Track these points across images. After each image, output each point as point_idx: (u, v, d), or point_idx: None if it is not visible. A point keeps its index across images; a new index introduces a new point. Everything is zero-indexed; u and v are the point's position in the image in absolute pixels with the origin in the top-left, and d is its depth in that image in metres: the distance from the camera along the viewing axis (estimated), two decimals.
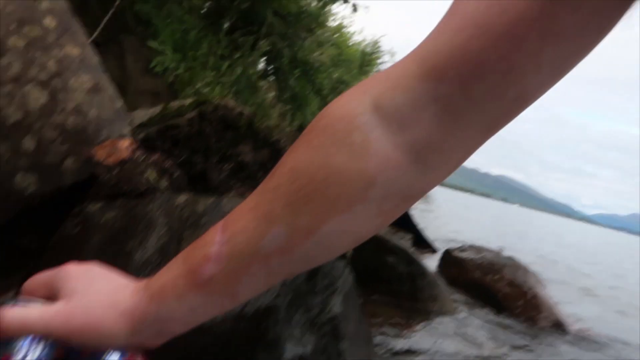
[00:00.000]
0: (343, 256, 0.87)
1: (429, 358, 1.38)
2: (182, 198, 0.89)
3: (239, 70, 5.64)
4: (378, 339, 1.50)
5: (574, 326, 2.06)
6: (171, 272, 0.52)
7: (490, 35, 0.40)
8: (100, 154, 0.98)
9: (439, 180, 0.49)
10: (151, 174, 0.97)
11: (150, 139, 1.27)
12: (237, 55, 5.50)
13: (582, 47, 0.41)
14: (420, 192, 0.49)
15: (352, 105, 0.44)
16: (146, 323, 0.53)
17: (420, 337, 1.62)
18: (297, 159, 0.47)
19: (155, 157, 1.06)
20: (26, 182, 0.94)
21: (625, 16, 0.45)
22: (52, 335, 0.52)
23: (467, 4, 0.45)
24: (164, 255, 0.79)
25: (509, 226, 10.81)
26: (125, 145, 1.01)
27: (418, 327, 1.72)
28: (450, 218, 8.90)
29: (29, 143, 0.94)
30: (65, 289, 0.55)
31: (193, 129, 1.27)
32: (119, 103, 1.08)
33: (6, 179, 0.92)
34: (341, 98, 0.50)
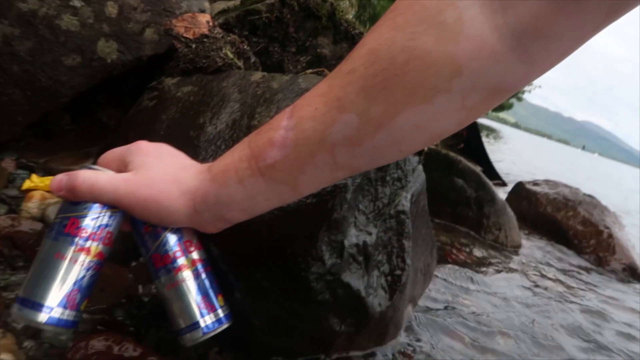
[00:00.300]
0: (419, 152, 0.82)
1: (481, 289, 1.35)
2: (257, 75, 0.86)
3: None
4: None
5: None
6: (235, 155, 0.49)
7: None
8: (180, 26, 0.96)
9: (537, 74, 0.40)
10: (229, 52, 0.94)
11: (229, 25, 1.24)
12: None
13: None
14: (513, 87, 0.40)
15: None
16: (206, 204, 0.51)
17: (479, 265, 1.58)
18: (377, 39, 0.40)
19: (233, 37, 1.02)
20: (108, 49, 0.95)
21: None
22: (118, 203, 0.51)
23: None
24: (235, 129, 0.78)
25: (586, 172, 10.18)
26: (205, 20, 0.98)
27: (478, 253, 1.68)
28: (523, 157, 8.49)
29: (111, 8, 0.93)
30: (134, 162, 0.53)
31: (273, 16, 1.21)
32: None
33: (90, 43, 0.93)
34: None
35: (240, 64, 0.99)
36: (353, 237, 0.72)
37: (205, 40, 0.97)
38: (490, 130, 15.04)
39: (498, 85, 0.40)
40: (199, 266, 0.56)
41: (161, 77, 0.98)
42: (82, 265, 0.49)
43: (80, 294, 0.49)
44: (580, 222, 2.07)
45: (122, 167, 0.54)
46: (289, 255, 0.68)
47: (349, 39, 1.22)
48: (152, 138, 0.91)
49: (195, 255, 0.56)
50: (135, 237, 0.56)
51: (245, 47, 1.08)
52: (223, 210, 0.50)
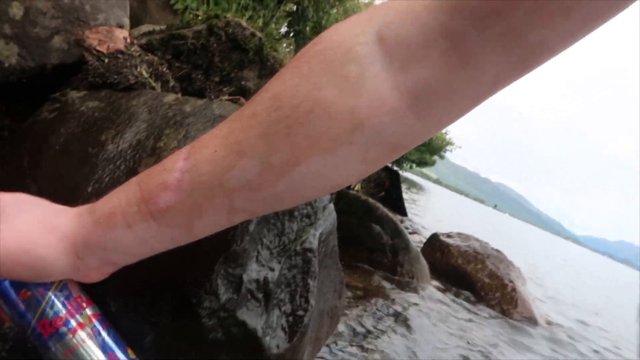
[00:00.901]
0: None
1: (389, 334, 1.34)
2: (171, 97, 0.82)
3: (259, 22, 5.50)
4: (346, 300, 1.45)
5: (545, 324, 2.04)
6: (123, 196, 0.43)
7: None
8: (93, 38, 0.91)
9: (434, 131, 0.40)
10: (144, 71, 0.90)
11: (152, 46, 1.19)
12: (260, 9, 5.37)
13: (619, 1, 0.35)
14: (411, 143, 0.40)
15: (354, 32, 0.38)
16: (90, 249, 0.44)
17: (388, 307, 1.58)
18: (281, 85, 0.40)
19: (152, 57, 0.98)
20: (7, 52, 0.87)
21: None
22: None
23: None
24: (139, 149, 0.73)
25: (497, 230, 10.84)
26: (122, 35, 0.94)
27: (389, 298, 1.68)
28: (441, 211, 8.88)
29: (16, 10, 0.86)
30: None
31: (198, 43, 1.19)
32: None
33: None
34: (343, 23, 0.40)
35: (156, 85, 0.95)
36: (253, 272, 0.68)
37: (119, 56, 0.92)
38: (414, 185, 15.71)
39: (397, 141, 0.40)
40: (96, 323, 0.50)
41: (66, 89, 0.91)
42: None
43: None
44: (487, 275, 2.15)
45: None
46: (179, 287, 0.62)
47: (275, 75, 1.22)
48: (47, 152, 0.83)
49: (89, 311, 0.50)
50: (6, 311, 0.47)
51: (165, 69, 1.04)
52: (110, 254, 0.46)
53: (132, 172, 0.73)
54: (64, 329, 0.47)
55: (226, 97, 0.91)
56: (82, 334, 0.48)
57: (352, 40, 0.39)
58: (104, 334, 0.50)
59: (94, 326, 0.49)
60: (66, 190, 0.73)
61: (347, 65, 0.38)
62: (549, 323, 2.16)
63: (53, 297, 0.47)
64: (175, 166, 0.43)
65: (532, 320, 1.99)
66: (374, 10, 0.41)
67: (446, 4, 0.37)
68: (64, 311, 0.47)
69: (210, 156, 0.41)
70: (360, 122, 0.38)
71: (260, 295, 0.69)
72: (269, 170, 0.40)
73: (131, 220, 0.43)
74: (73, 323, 0.47)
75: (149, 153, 0.75)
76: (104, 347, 0.49)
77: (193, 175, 0.42)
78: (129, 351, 0.52)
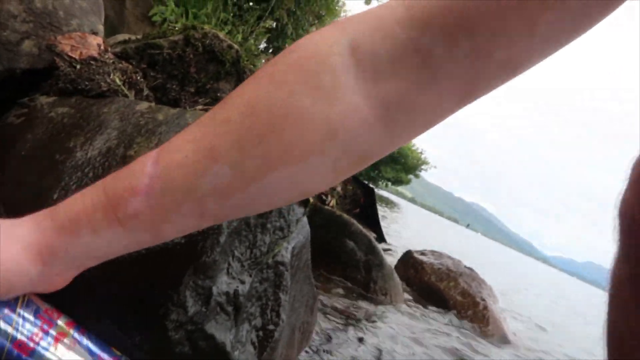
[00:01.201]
0: (305, 202, 0.80)
1: (360, 353, 1.33)
2: (143, 105, 0.81)
3: (238, 37, 5.52)
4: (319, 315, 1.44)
5: (516, 341, 2.06)
6: (87, 201, 0.42)
7: None
8: (65, 44, 0.89)
9: (401, 143, 0.41)
10: (117, 78, 0.88)
11: (127, 55, 1.18)
12: (239, 24, 5.39)
13: (583, 20, 0.36)
14: (379, 153, 0.41)
15: (328, 42, 0.39)
16: (56, 256, 0.43)
17: (360, 323, 1.57)
18: (256, 92, 0.40)
19: (126, 65, 0.97)
20: None
21: None
22: None
23: None
24: (109, 157, 0.71)
25: (469, 249, 10.99)
26: (95, 42, 0.92)
27: (362, 315, 1.68)
28: (416, 229, 8.95)
29: None
30: None
31: (175, 53, 1.18)
32: None
33: None
34: (317, 33, 0.41)
35: (129, 93, 0.93)
36: (223, 284, 0.67)
37: (92, 62, 0.90)
38: (389, 203, 15.82)
39: (366, 151, 0.41)
40: (73, 330, 0.48)
41: (35, 94, 0.89)
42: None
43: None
44: (460, 293, 2.17)
45: None
46: (146, 299, 0.60)
47: (248, 79, 1.22)
48: (12, 158, 0.80)
49: (62, 320, 0.47)
50: None
51: (139, 78, 1.03)
52: (75, 259, 0.44)
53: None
54: (44, 343, 0.44)
55: (200, 107, 0.90)
56: (64, 345, 0.46)
57: (327, 50, 0.39)
58: (84, 339, 0.48)
59: (73, 334, 0.47)
60: (30, 197, 0.71)
61: (322, 74, 0.38)
62: (519, 341, 2.18)
63: (22, 313, 0.44)
64: (144, 171, 0.41)
65: (503, 338, 2.01)
66: (347, 22, 0.42)
67: (417, 20, 0.38)
68: (38, 326, 0.45)
69: (181, 161, 0.41)
70: (334, 130, 0.38)
71: (230, 309, 0.68)
72: (241, 176, 0.39)
73: (97, 226, 0.42)
74: (51, 335, 0.45)
75: (119, 161, 0.73)
76: (90, 352, 0.47)
77: (163, 181, 0.41)
78: (114, 350, 0.50)
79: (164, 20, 4.61)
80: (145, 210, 0.41)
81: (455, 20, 0.36)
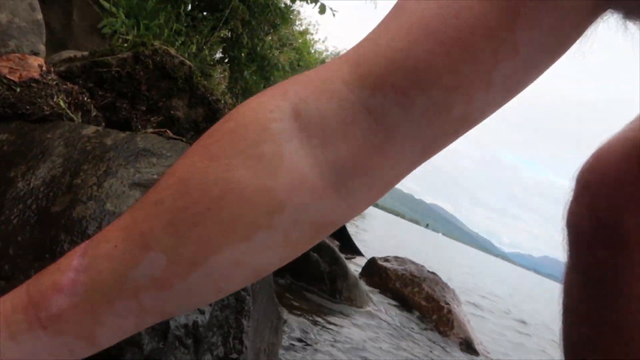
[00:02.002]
0: None
1: (331, 345, 1.33)
2: (90, 129, 0.77)
3: (192, 48, 5.44)
4: (286, 328, 1.42)
5: (479, 343, 2.10)
6: (8, 302, 0.38)
7: (440, 41, 0.34)
8: (3, 66, 0.84)
9: (360, 209, 0.39)
10: (61, 101, 0.84)
11: (72, 74, 1.13)
12: (193, 35, 5.31)
13: (536, 67, 0.36)
14: (337, 222, 0.39)
15: (267, 107, 0.37)
16: None
17: (327, 334, 1.56)
18: (188, 168, 0.36)
19: (71, 86, 0.92)
20: None
21: (580, 40, 0.39)
22: None
23: (415, 2, 0.36)
24: (53, 187, 0.67)
25: (431, 250, 11.19)
26: (36, 63, 0.87)
27: (329, 325, 1.66)
28: (379, 234, 9.04)
29: None
30: None
31: (124, 70, 1.14)
32: (38, 15, 0.94)
33: None
34: (255, 99, 0.38)
35: (75, 115, 0.89)
36: (181, 316, 0.64)
37: (33, 85, 0.85)
38: None
39: (321, 221, 0.38)
40: None
41: None
42: None
43: None
44: (424, 298, 2.19)
45: None
46: None
47: (205, 104, 1.19)
48: None
49: None
50: None
51: (86, 99, 0.98)
52: None
53: (44, 211, 0.67)
54: None
55: (151, 130, 0.87)
56: None
57: (266, 116, 0.36)
58: None
59: None
60: None
61: (261, 143, 0.35)
62: (482, 342, 2.23)
63: None
64: (71, 264, 0.37)
65: (467, 341, 2.04)
66: (288, 85, 0.39)
67: (366, 80, 0.36)
68: None
69: (109, 251, 0.36)
70: (280, 203, 0.36)
71: (189, 342, 0.65)
72: (177, 264, 0.35)
73: (16, 329, 0.36)
74: None
75: (64, 191, 0.69)
76: None
77: (90, 274, 0.36)
78: None
79: (114, 32, 4.48)
80: (70, 309, 0.36)
81: (408, 78, 0.34)
